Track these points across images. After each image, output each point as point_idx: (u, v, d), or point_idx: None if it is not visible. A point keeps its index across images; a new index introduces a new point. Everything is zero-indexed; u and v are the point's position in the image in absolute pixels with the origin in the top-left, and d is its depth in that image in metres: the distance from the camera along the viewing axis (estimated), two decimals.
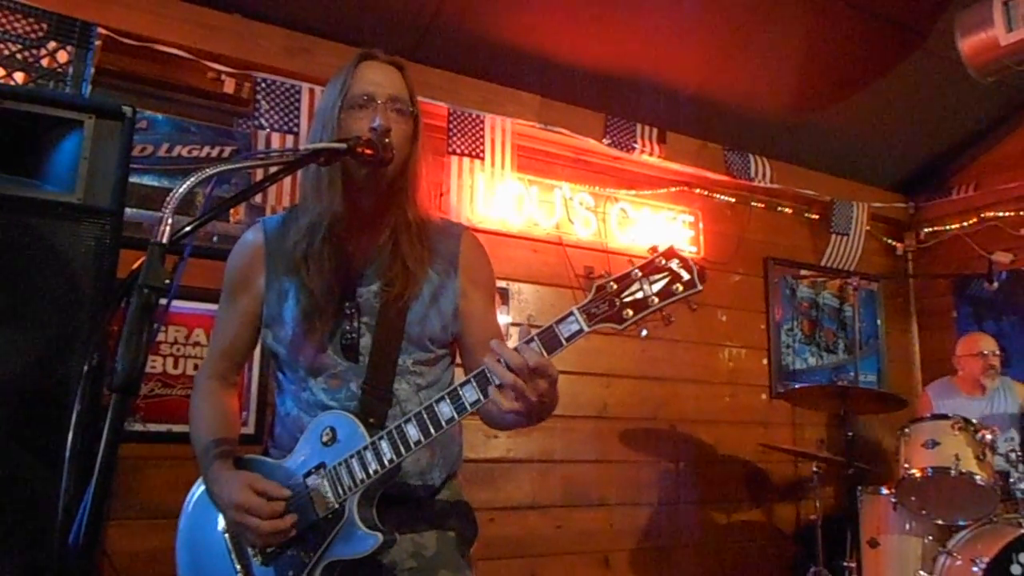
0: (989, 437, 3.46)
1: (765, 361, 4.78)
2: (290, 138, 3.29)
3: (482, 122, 3.75)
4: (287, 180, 3.18)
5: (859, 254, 5.03)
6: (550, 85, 3.95)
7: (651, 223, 4.37)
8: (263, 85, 3.27)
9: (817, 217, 5.11)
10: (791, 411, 4.70)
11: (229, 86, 3.27)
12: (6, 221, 1.73)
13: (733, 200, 4.78)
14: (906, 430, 3.65)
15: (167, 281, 1.09)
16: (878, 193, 5.31)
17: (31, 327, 1.72)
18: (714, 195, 4.71)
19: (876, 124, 4.73)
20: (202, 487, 1.61)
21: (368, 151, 1.42)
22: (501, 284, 3.82)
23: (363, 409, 1.51)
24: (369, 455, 1.42)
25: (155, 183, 3.13)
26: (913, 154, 5.20)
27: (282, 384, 1.64)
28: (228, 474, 1.51)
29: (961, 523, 3.47)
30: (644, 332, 1.35)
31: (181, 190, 1.15)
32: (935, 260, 5.39)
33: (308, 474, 1.48)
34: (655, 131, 4.27)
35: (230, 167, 1.27)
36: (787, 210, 5.04)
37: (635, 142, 4.20)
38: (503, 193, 3.82)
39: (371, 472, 1.42)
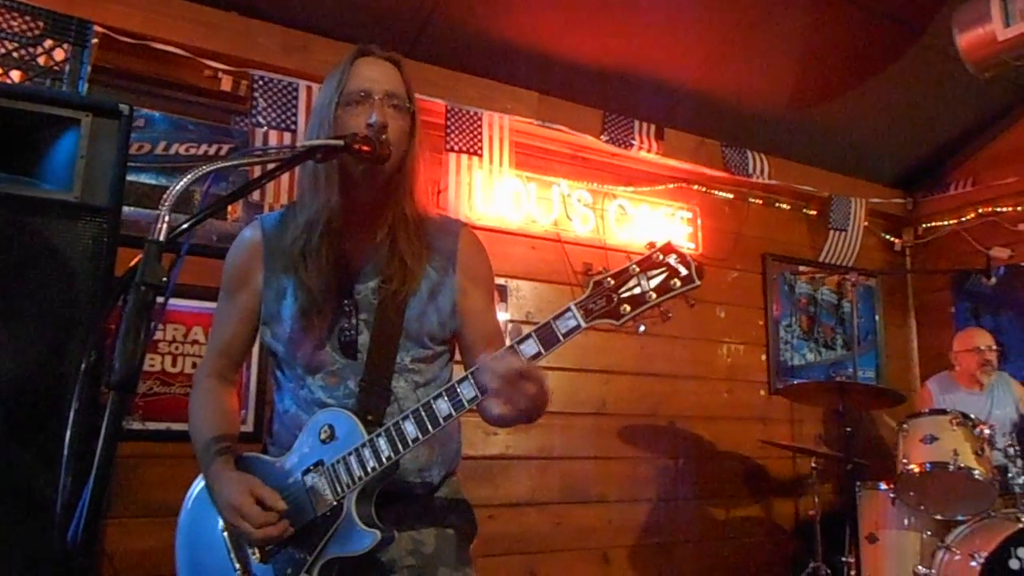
0: (987, 432, 3.47)
1: (763, 357, 4.78)
2: (287, 135, 3.28)
3: (480, 119, 3.74)
4: (285, 178, 3.18)
5: (857, 250, 5.02)
6: (548, 82, 3.94)
7: (649, 219, 4.37)
8: (260, 83, 3.27)
9: (815, 213, 5.11)
10: (790, 407, 4.70)
11: (226, 84, 3.26)
12: (3, 220, 1.72)
13: (731, 196, 4.78)
14: (904, 425, 3.66)
15: (164, 279, 1.09)
16: (876, 189, 5.31)
17: (29, 325, 1.72)
18: (712, 191, 4.70)
19: (874, 120, 4.73)
20: (201, 484, 1.61)
21: (365, 148, 1.42)
22: (499, 281, 3.82)
23: (361, 406, 1.51)
24: (367, 452, 1.42)
25: (152, 181, 3.13)
26: (911, 150, 5.20)
27: (280, 382, 1.64)
28: (229, 474, 1.52)
29: (959, 518, 3.48)
30: (642, 328, 1.35)
31: (178, 188, 1.15)
32: (933, 255, 5.40)
33: (306, 471, 1.48)
34: (653, 127, 4.27)
35: (227, 164, 1.26)
36: (785, 206, 5.04)
37: (633, 139, 4.19)
38: (501, 190, 3.81)
39: (369, 469, 1.42)
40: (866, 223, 5.09)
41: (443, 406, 1.38)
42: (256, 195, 3.22)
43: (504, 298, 3.88)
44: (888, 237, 5.50)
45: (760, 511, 4.59)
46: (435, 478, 1.60)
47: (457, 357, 1.68)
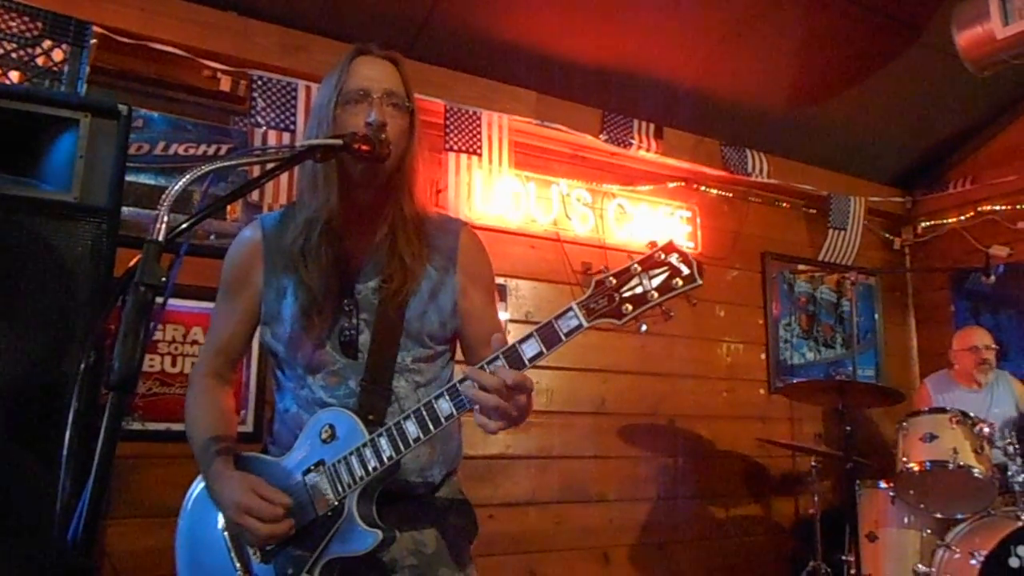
0: (987, 431, 3.47)
1: (763, 356, 4.78)
2: (286, 135, 3.28)
3: (479, 119, 3.74)
4: (284, 177, 3.18)
5: (856, 248, 5.02)
6: (547, 81, 3.94)
7: (648, 219, 4.37)
8: (259, 83, 3.26)
9: (814, 212, 5.11)
10: (789, 406, 4.70)
11: (225, 84, 3.26)
12: (2, 220, 1.72)
13: (730, 195, 4.78)
14: (904, 424, 3.66)
15: (163, 279, 1.08)
16: (875, 187, 5.31)
17: (28, 326, 1.72)
18: (711, 190, 4.70)
19: (873, 118, 4.73)
20: (201, 485, 1.61)
21: (364, 147, 1.42)
22: (499, 281, 3.81)
23: (362, 406, 1.50)
24: (368, 452, 1.42)
25: (151, 181, 3.12)
26: (910, 148, 5.20)
27: (281, 382, 1.64)
28: (231, 474, 1.51)
29: (959, 516, 3.48)
30: (643, 327, 1.35)
31: (177, 188, 1.14)
32: (932, 254, 5.40)
33: (307, 471, 1.48)
34: (652, 127, 4.27)
35: (226, 164, 1.26)
36: (784, 205, 5.05)
37: (632, 138, 4.19)
38: (500, 190, 3.81)
39: (370, 469, 1.41)
40: (865, 222, 5.09)
41: (445, 406, 1.38)
42: (255, 195, 3.21)
43: (503, 297, 3.88)
44: (887, 236, 5.50)
45: (760, 510, 4.59)
46: (436, 477, 1.59)
47: (458, 356, 1.68)
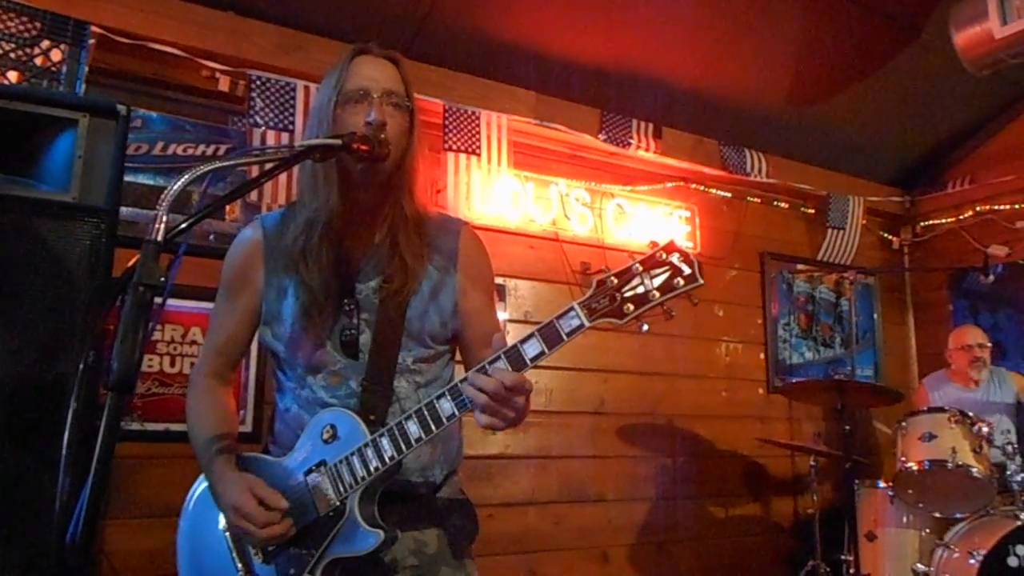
0: (986, 430, 3.48)
1: (762, 356, 4.78)
2: (285, 135, 3.28)
3: (478, 118, 3.74)
4: (283, 178, 3.17)
5: (855, 248, 5.03)
6: (546, 81, 3.94)
7: (647, 219, 4.37)
8: (258, 83, 3.26)
9: (813, 211, 5.11)
10: (788, 405, 4.70)
11: (224, 84, 3.25)
12: (1, 220, 1.72)
13: (729, 195, 4.78)
14: (903, 423, 3.67)
15: (162, 279, 1.08)
16: (874, 187, 5.31)
17: (26, 326, 1.71)
18: (710, 190, 4.70)
19: (872, 118, 4.73)
20: (203, 485, 1.61)
21: (364, 147, 1.41)
22: (498, 280, 3.81)
23: (363, 406, 1.50)
24: (370, 452, 1.42)
25: (150, 182, 3.12)
26: (909, 148, 5.21)
27: (282, 382, 1.63)
28: (231, 475, 1.51)
29: (958, 516, 3.49)
30: (645, 327, 1.35)
31: (176, 188, 1.14)
32: (931, 254, 5.41)
33: (309, 472, 1.48)
34: (651, 126, 4.27)
35: (225, 164, 1.26)
36: (783, 205, 5.04)
37: (631, 137, 4.19)
38: (499, 190, 3.81)
39: (372, 469, 1.41)
40: (864, 221, 5.10)
41: (446, 406, 1.38)
42: (254, 195, 3.21)
43: (502, 297, 3.88)
44: (886, 235, 5.50)
45: (759, 509, 4.60)
46: (438, 477, 1.59)
47: (458, 357, 1.68)
